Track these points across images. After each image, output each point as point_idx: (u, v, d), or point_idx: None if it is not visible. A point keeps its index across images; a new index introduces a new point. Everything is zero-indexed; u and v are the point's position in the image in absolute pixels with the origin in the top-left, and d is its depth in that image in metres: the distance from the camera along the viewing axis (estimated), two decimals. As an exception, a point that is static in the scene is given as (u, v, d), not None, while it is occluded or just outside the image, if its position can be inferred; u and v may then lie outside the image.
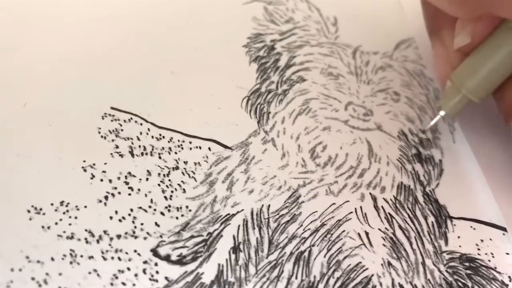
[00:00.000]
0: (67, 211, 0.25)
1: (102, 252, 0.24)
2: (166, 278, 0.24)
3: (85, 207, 0.25)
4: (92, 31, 0.33)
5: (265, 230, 0.27)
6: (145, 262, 0.25)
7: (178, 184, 0.27)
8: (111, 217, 0.25)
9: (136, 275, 0.24)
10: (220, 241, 0.26)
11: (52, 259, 0.24)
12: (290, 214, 0.28)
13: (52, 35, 0.32)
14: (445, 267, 0.28)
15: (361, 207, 0.29)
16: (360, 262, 0.27)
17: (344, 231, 0.28)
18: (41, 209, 0.25)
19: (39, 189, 0.25)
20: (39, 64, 0.30)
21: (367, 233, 0.28)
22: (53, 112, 0.28)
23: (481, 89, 0.29)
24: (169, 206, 0.27)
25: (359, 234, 0.28)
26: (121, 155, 0.28)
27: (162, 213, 0.26)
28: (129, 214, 0.26)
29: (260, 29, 0.36)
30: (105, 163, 0.27)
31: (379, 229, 0.28)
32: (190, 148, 0.29)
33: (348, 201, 0.29)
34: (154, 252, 0.25)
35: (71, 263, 0.24)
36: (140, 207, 0.26)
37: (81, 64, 0.31)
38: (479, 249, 0.29)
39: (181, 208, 0.27)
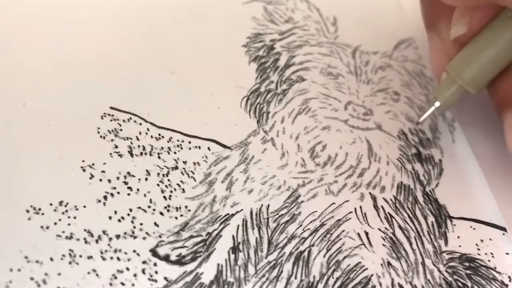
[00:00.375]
0: (66, 211, 0.25)
1: (101, 252, 0.24)
2: (165, 278, 0.24)
3: (84, 207, 0.25)
4: (92, 31, 0.33)
5: (264, 230, 0.27)
6: (144, 262, 0.25)
7: (178, 184, 0.27)
8: (110, 217, 0.25)
9: (135, 275, 0.24)
10: (219, 241, 0.26)
11: (51, 259, 0.24)
12: (290, 214, 0.28)
13: (52, 35, 0.32)
14: (445, 267, 0.28)
15: (360, 207, 0.29)
16: (360, 262, 0.27)
17: (343, 231, 0.28)
18: (40, 209, 0.25)
19: (38, 189, 0.25)
20: (38, 64, 0.30)
21: (366, 233, 0.28)
22: (52, 112, 0.28)
23: (478, 80, 0.29)
24: (168, 206, 0.27)
25: (358, 234, 0.28)
26: (120, 155, 0.28)
27: (161, 213, 0.26)
28: (128, 214, 0.26)
29: (260, 29, 0.36)
30: (104, 163, 0.27)
31: (379, 229, 0.28)
32: (190, 148, 0.29)
33: (347, 200, 0.29)
34: (153, 252, 0.25)
35: (70, 263, 0.24)
36: (139, 207, 0.26)
37: (80, 64, 0.31)
38: (479, 249, 0.29)
39: (180, 208, 0.27)
